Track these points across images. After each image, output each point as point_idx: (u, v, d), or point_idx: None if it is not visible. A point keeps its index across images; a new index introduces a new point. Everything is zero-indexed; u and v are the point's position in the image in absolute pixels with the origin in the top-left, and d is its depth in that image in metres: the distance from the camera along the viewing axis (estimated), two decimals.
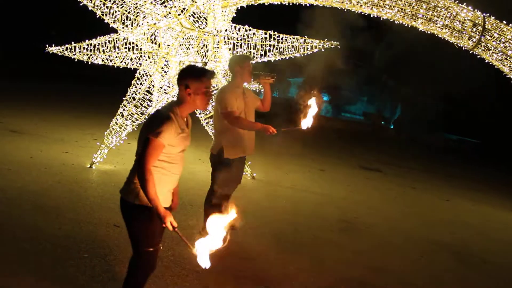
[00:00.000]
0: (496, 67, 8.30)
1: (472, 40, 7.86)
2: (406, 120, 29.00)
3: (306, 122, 4.89)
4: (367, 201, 8.33)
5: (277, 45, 7.66)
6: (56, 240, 4.49)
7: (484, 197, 10.86)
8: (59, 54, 7.97)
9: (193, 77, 3.06)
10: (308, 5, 7.77)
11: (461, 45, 8.02)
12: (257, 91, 8.88)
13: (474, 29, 7.86)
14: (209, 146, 5.14)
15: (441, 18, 7.76)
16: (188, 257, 4.25)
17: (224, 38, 7.65)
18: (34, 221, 4.89)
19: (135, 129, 7.77)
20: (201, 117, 8.22)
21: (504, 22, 7.86)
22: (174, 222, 2.88)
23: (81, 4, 6.82)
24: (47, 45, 7.94)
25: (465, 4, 7.79)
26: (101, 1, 6.89)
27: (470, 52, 8.14)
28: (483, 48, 8.04)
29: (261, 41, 7.65)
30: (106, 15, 7.05)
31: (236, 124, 4.81)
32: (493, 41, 7.92)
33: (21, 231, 4.59)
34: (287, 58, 7.92)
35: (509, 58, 8.03)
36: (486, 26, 7.81)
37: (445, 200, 9.71)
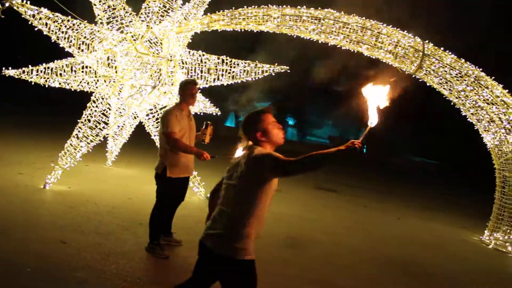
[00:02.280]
0: (437, 90, 8.83)
1: (414, 65, 8.38)
2: (369, 143, 29.77)
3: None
4: (318, 219, 8.62)
5: (230, 70, 7.99)
6: (3, 258, 4.58)
7: (436, 215, 11.33)
8: (16, 77, 8.08)
9: (259, 122, 3.11)
10: (258, 31, 8.15)
11: (405, 69, 8.53)
12: (200, 114, 9.20)
13: (416, 55, 8.40)
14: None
15: (385, 44, 8.26)
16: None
17: (179, 63, 7.94)
18: None
19: (90, 150, 7.91)
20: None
21: (442, 48, 8.42)
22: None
23: (35, 29, 7.00)
24: (3, 68, 8.04)
25: (406, 31, 8.34)
26: (56, 26, 7.09)
27: (413, 76, 8.66)
28: (424, 72, 8.57)
29: (215, 66, 7.98)
30: (61, 40, 7.25)
31: (174, 145, 5.11)
32: (433, 65, 8.46)
33: None
34: (240, 81, 8.25)
35: (448, 82, 8.57)
36: (425, 52, 8.35)
37: (396, 218, 10.09)
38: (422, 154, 30.37)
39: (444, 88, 8.74)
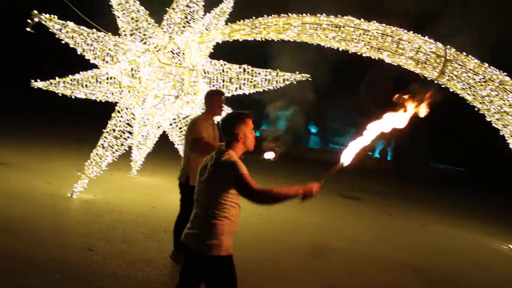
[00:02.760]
0: (460, 95, 8.73)
1: (436, 71, 8.31)
2: (392, 150, 29.54)
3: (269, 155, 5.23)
4: (341, 227, 8.59)
5: (251, 78, 8.07)
6: (31, 263, 4.71)
7: (462, 222, 11.17)
8: (44, 88, 8.31)
9: (241, 124, 3.20)
10: (279, 40, 8.21)
11: (427, 76, 8.47)
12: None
13: (438, 60, 8.32)
14: None
15: (406, 51, 8.23)
16: None
17: (201, 73, 8.06)
18: (12, 246, 5.11)
19: (115, 159, 8.07)
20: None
21: (464, 53, 8.33)
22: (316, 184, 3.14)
23: (63, 42, 7.20)
24: (32, 80, 8.28)
25: (427, 37, 8.28)
26: (81, 39, 7.28)
27: (435, 81, 8.58)
28: (447, 78, 8.49)
29: (236, 75, 8.07)
30: (87, 52, 7.45)
31: (203, 149, 5.06)
32: (456, 71, 8.37)
33: None
34: (261, 90, 8.32)
35: (472, 87, 8.47)
36: (447, 57, 8.28)
37: (420, 225, 9.98)
38: (445, 161, 29.96)
39: (467, 94, 8.63)
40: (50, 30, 6.94)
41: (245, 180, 2.98)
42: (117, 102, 8.30)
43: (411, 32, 8.22)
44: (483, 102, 8.66)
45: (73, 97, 8.47)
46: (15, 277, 4.34)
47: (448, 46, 8.33)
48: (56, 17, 6.94)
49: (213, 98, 5.42)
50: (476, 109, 8.83)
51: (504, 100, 8.41)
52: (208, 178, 3.09)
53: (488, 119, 8.79)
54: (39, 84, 8.26)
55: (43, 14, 6.64)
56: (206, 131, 5.27)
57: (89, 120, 21.29)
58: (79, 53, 7.46)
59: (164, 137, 9.55)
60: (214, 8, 8.85)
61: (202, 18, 8.27)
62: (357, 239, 7.80)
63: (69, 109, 20.80)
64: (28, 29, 6.39)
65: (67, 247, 5.30)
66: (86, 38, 7.38)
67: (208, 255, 2.99)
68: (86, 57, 7.55)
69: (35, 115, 20.99)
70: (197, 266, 3.09)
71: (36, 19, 6.49)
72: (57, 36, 7.09)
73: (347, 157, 3.44)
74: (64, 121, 21.10)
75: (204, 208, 3.09)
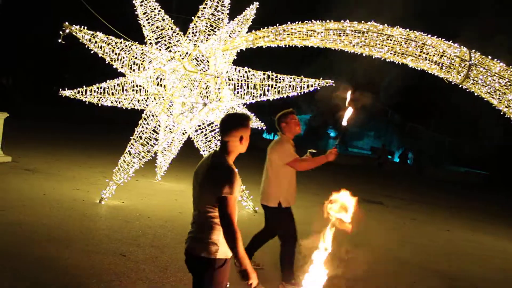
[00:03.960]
0: (485, 99, 8.67)
1: (460, 75, 8.28)
2: (413, 154, 29.29)
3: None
4: (365, 232, 8.56)
5: (275, 85, 8.13)
6: (66, 268, 4.85)
7: (486, 227, 11.04)
8: (71, 97, 8.51)
9: (245, 126, 3.12)
10: (302, 46, 8.27)
11: (451, 80, 8.44)
12: (259, 128, 9.39)
13: (462, 64, 8.29)
14: None
15: (430, 55, 8.21)
16: None
17: (226, 79, 8.15)
18: (47, 252, 5.26)
19: (142, 166, 8.20)
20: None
21: (489, 57, 8.28)
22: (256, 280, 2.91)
23: (92, 52, 7.38)
24: (60, 89, 8.49)
25: (451, 41, 8.26)
26: (110, 49, 7.45)
27: (460, 86, 8.54)
28: (472, 82, 8.44)
29: (260, 81, 8.14)
30: (114, 61, 7.62)
31: (306, 167, 5.14)
32: (480, 75, 8.32)
33: (34, 260, 4.96)
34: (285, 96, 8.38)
35: (497, 91, 8.41)
36: (472, 61, 8.24)
37: (445, 230, 9.90)
38: (467, 164, 29.59)
39: (493, 97, 8.56)
40: (80, 40, 7.13)
41: (227, 203, 2.85)
42: (143, 110, 8.45)
43: (435, 36, 8.21)
44: (509, 106, 8.58)
45: (99, 105, 8.67)
46: (54, 285, 4.47)
47: (473, 50, 8.30)
48: (86, 28, 7.12)
49: (288, 118, 5.26)
50: (502, 113, 8.76)
51: None
52: (202, 183, 3.03)
53: None
54: (66, 92, 8.48)
55: (73, 25, 6.82)
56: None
57: (115, 128, 21.66)
58: (107, 62, 7.64)
59: (188, 143, 9.67)
60: (237, 16, 8.97)
61: (226, 25, 8.37)
62: (381, 244, 7.79)
63: (93, 117, 21.20)
64: (59, 40, 6.57)
65: (101, 253, 5.42)
66: (114, 48, 7.54)
67: (202, 256, 2.96)
68: (114, 66, 7.72)
69: (62, 123, 21.38)
70: (194, 268, 3.08)
71: (67, 31, 6.67)
72: (86, 46, 7.27)
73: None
74: (88, 129, 21.46)
75: (199, 211, 3.05)
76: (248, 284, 2.85)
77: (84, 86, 8.45)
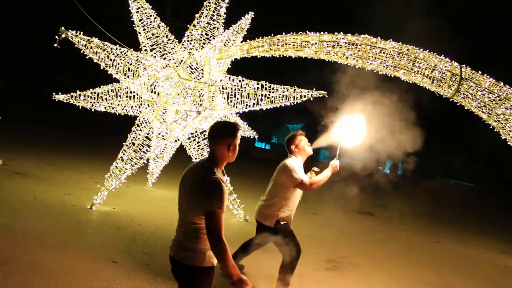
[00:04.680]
0: (475, 113, 8.80)
1: (451, 89, 8.41)
2: (403, 165, 29.45)
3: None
4: (356, 243, 8.63)
5: (269, 95, 8.19)
6: (57, 274, 4.83)
7: (475, 239, 11.14)
8: (65, 101, 8.50)
9: (233, 134, 3.13)
10: (296, 57, 8.35)
11: (442, 94, 8.56)
12: (251, 137, 9.45)
13: (453, 79, 8.42)
14: None
15: (422, 69, 8.33)
16: None
17: (219, 88, 8.20)
18: (37, 257, 5.24)
19: (134, 172, 8.20)
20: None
21: (480, 72, 8.42)
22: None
23: (87, 57, 7.40)
24: (53, 93, 8.48)
25: (443, 55, 8.39)
26: (105, 54, 7.48)
27: (450, 99, 8.67)
28: (462, 96, 8.57)
29: (254, 91, 8.19)
30: (109, 67, 7.64)
31: (315, 188, 5.01)
32: (471, 89, 8.46)
33: (24, 265, 4.94)
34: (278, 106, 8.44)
35: (487, 105, 8.54)
36: (463, 76, 8.37)
37: (434, 242, 9.99)
38: (456, 176, 29.86)
39: (482, 112, 8.69)
40: (75, 45, 7.15)
41: (216, 217, 2.88)
42: (137, 116, 8.47)
43: (427, 50, 8.34)
44: (498, 120, 8.71)
45: (92, 110, 8.66)
46: None
47: (464, 65, 8.44)
48: (81, 33, 7.15)
49: (297, 140, 5.19)
50: (491, 127, 8.89)
51: None
52: (190, 194, 3.03)
53: (503, 137, 8.83)
54: (60, 97, 8.47)
55: (69, 30, 6.85)
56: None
57: (101, 133, 21.61)
58: (102, 68, 7.66)
59: (180, 150, 9.68)
60: (232, 25, 9.05)
61: (221, 34, 8.43)
62: (372, 255, 7.85)
63: (83, 122, 21.11)
64: (55, 45, 6.59)
65: (92, 259, 5.42)
66: (109, 54, 7.57)
67: (190, 264, 3.00)
68: (109, 72, 7.74)
69: (52, 127, 21.28)
70: (179, 276, 3.11)
71: (63, 35, 6.70)
72: (82, 52, 7.29)
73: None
74: (79, 133, 21.38)
75: (186, 219, 3.06)
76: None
77: (77, 91, 8.45)
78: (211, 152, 3.13)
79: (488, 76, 8.51)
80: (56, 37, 6.66)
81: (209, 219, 2.88)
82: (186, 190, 3.08)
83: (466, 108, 8.82)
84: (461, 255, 9.15)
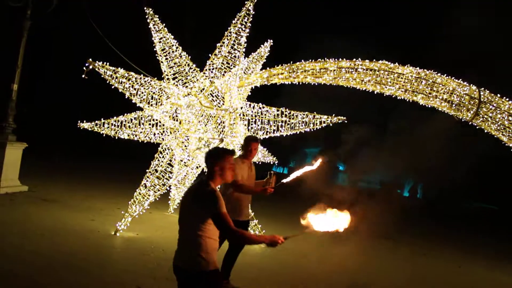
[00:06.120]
0: (495, 136, 8.80)
1: (470, 112, 8.44)
2: (423, 188, 29.20)
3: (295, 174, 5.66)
4: (377, 268, 8.59)
5: (289, 121, 8.33)
6: None
7: (498, 264, 10.96)
8: (89, 129, 8.74)
9: (221, 159, 3.63)
10: (316, 84, 8.49)
11: (461, 117, 8.59)
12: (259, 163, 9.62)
13: (472, 102, 8.46)
14: None
15: (440, 93, 8.40)
16: None
17: (240, 115, 8.37)
18: (65, 279, 5.38)
19: (157, 199, 8.35)
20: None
21: (498, 95, 8.45)
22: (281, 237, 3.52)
23: (112, 87, 7.66)
24: (79, 121, 8.73)
25: (461, 80, 8.46)
26: (130, 84, 7.73)
27: (469, 123, 8.70)
28: (482, 119, 8.60)
29: (274, 117, 8.35)
30: (133, 96, 7.88)
31: (238, 190, 5.62)
32: (490, 112, 8.48)
33: (53, 287, 5.09)
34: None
35: (507, 128, 8.54)
36: (482, 99, 8.40)
37: (457, 266, 9.87)
38: (479, 199, 29.44)
39: (502, 135, 8.69)
40: (102, 76, 7.42)
41: (223, 218, 3.35)
42: (160, 143, 8.66)
43: (445, 75, 8.42)
44: None
45: (116, 137, 8.88)
46: None
47: (482, 88, 8.48)
48: (108, 64, 7.42)
49: (248, 144, 5.93)
50: (511, 150, 8.86)
51: None
52: (189, 205, 3.46)
53: None
54: (85, 125, 8.71)
55: (97, 61, 7.12)
56: (241, 172, 5.72)
57: (122, 161, 21.91)
58: (126, 97, 7.90)
59: (200, 176, 9.83)
60: (252, 53, 9.27)
61: (241, 62, 8.64)
62: (393, 281, 7.80)
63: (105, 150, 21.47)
64: (83, 76, 6.86)
65: (118, 283, 5.53)
66: (134, 83, 7.82)
67: (197, 271, 3.35)
68: (133, 101, 7.97)
69: (77, 154, 21.69)
70: (188, 283, 3.44)
71: (90, 66, 6.97)
72: (107, 82, 7.55)
73: (318, 224, 3.84)
74: (102, 161, 21.74)
75: (188, 231, 3.44)
76: (280, 243, 3.48)
77: (102, 119, 8.69)
78: (208, 172, 3.65)
79: (507, 99, 8.53)
80: (84, 68, 6.94)
81: (217, 220, 3.35)
82: (186, 204, 3.51)
83: (485, 131, 8.84)
84: (485, 281, 9.03)
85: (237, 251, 5.88)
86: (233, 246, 5.83)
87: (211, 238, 3.41)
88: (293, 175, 5.69)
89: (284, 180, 5.69)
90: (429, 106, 8.70)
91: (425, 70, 8.39)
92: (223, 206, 3.38)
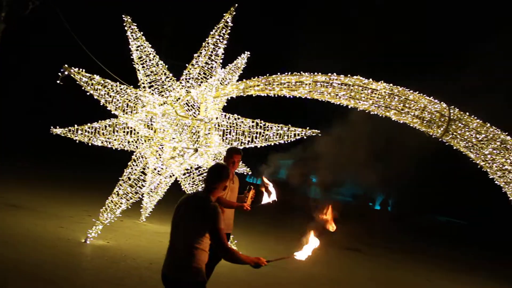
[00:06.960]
0: (463, 153, 9.05)
1: (440, 129, 8.67)
2: (393, 201, 29.66)
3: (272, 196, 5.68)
4: (344, 279, 8.69)
5: (263, 133, 8.40)
6: None
7: (466, 278, 11.21)
8: (62, 135, 8.62)
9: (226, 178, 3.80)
10: (291, 97, 8.60)
11: (431, 134, 8.82)
12: (245, 173, 9.65)
13: (442, 119, 8.69)
14: None
15: (412, 109, 8.61)
16: None
17: (215, 125, 8.40)
18: None
19: (129, 207, 8.28)
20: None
21: (467, 113, 8.71)
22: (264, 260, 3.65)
23: (87, 94, 7.60)
24: (51, 127, 8.60)
25: (432, 97, 8.69)
26: (105, 91, 7.68)
27: (440, 140, 8.93)
28: (451, 136, 8.84)
29: (249, 129, 8.40)
30: (109, 103, 7.84)
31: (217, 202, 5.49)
32: (459, 130, 8.73)
33: None
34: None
35: (474, 146, 8.80)
36: (451, 117, 8.65)
37: (425, 279, 10.05)
38: (446, 213, 30.03)
39: (470, 152, 8.95)
40: (77, 82, 7.36)
41: (220, 234, 3.48)
42: (133, 151, 8.60)
43: (417, 92, 8.64)
44: (486, 160, 8.96)
45: (89, 144, 8.78)
46: None
47: (452, 106, 8.73)
48: (84, 70, 7.37)
49: (231, 155, 6.01)
50: (479, 167, 9.13)
51: (505, 159, 8.71)
52: (188, 216, 3.57)
53: (490, 176, 9.06)
54: (57, 130, 8.59)
55: (72, 68, 7.07)
56: None
57: (93, 166, 21.58)
58: (101, 104, 7.84)
59: (173, 185, 9.77)
60: (228, 64, 9.34)
61: (218, 73, 8.68)
62: None
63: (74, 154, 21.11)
64: (58, 81, 6.79)
65: None
66: (110, 91, 7.78)
67: (188, 281, 3.46)
68: (108, 108, 7.92)
69: (45, 159, 21.25)
70: None
71: (66, 72, 6.91)
72: (83, 88, 7.49)
73: (300, 254, 4.06)
74: (71, 166, 21.34)
75: (183, 242, 3.52)
76: (264, 265, 3.61)
77: (75, 125, 8.58)
78: (210, 188, 3.70)
79: (476, 117, 8.80)
80: (59, 73, 6.87)
81: (215, 235, 3.48)
82: (185, 218, 3.58)
83: (454, 148, 9.09)
84: None
85: (216, 263, 5.79)
86: (214, 257, 5.77)
87: (204, 250, 3.53)
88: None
89: (261, 203, 5.82)
90: (401, 122, 8.91)
91: (398, 86, 8.59)
92: (223, 222, 3.52)
